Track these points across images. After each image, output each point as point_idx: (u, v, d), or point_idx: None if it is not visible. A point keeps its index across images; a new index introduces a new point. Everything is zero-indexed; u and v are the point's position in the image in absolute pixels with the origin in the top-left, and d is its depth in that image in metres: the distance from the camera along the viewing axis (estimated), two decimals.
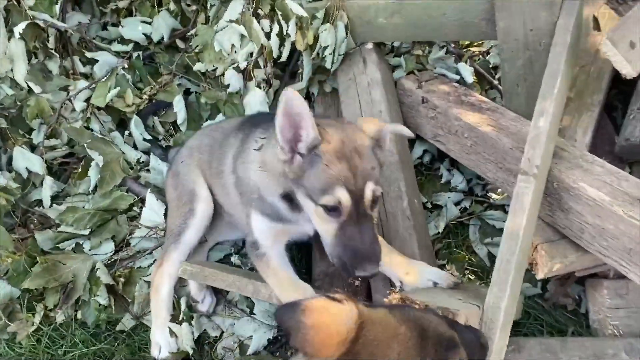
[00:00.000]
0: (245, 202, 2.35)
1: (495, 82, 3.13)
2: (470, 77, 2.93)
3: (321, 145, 1.87)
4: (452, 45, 3.15)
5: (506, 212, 2.82)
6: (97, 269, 2.75)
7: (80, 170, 3.00)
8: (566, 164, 2.23)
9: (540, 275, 2.22)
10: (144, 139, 3.17)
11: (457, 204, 2.90)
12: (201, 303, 2.63)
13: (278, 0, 2.85)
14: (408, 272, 2.25)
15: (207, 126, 3.04)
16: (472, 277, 2.69)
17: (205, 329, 2.62)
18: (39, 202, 3.01)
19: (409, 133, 2.14)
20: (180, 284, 2.70)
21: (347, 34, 2.93)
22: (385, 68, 3.00)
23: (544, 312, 2.53)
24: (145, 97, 3.23)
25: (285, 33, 2.85)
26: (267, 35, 2.94)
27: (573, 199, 2.15)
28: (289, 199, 2.12)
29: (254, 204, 2.27)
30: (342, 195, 1.83)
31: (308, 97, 3.26)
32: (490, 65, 3.29)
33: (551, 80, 2.22)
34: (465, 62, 3.03)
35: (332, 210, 1.87)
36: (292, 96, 1.81)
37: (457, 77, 2.97)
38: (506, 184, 2.49)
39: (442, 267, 2.70)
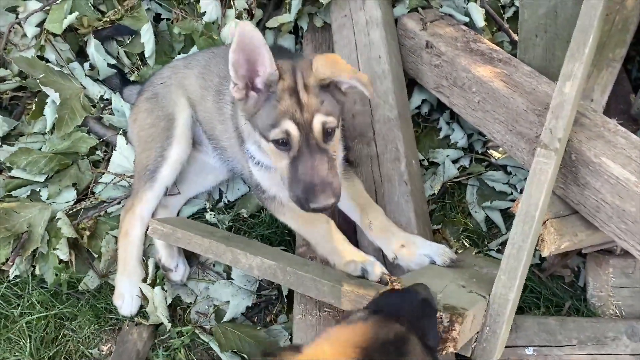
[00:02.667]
0: (240, 140, 2.22)
1: (506, 25, 2.81)
2: (481, 21, 2.61)
3: (278, 82, 1.84)
4: None
5: (507, 173, 2.64)
6: (58, 219, 2.46)
7: (34, 108, 2.63)
8: (587, 133, 1.99)
9: (545, 253, 2.03)
10: (109, 65, 2.79)
11: (455, 161, 2.66)
12: (174, 272, 2.38)
13: None
14: (403, 244, 2.07)
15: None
16: (467, 244, 2.50)
17: (178, 294, 2.40)
18: None
19: (369, 94, 1.90)
20: (148, 242, 2.44)
21: None
22: (387, 4, 2.64)
23: (541, 283, 2.38)
24: (106, 19, 2.81)
25: None
26: None
27: (592, 174, 1.93)
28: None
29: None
30: (289, 127, 1.81)
31: (296, 32, 2.90)
32: (500, 4, 2.95)
33: (582, 38, 1.92)
34: (476, 2, 2.68)
35: (283, 144, 1.85)
36: (248, 29, 1.76)
37: (466, 19, 2.64)
38: (515, 149, 2.25)
39: (436, 231, 2.53)
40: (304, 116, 1.81)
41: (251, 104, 1.89)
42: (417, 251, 2.04)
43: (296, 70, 1.86)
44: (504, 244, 2.47)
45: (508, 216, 2.54)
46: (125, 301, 2.34)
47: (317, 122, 1.82)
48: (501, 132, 2.28)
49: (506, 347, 1.90)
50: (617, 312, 2.21)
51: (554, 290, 2.37)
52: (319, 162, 1.81)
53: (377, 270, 1.96)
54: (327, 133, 1.85)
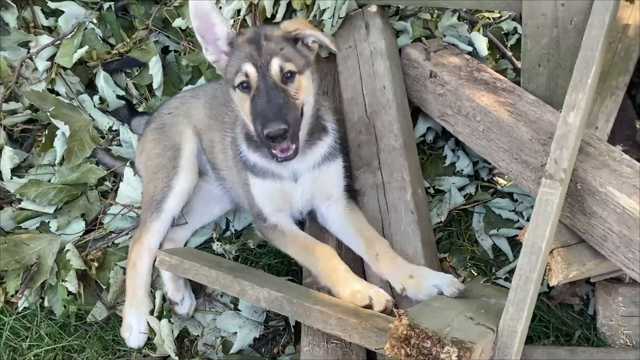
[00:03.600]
0: (240, 165, 2.30)
1: (509, 54, 2.83)
2: (484, 50, 2.63)
3: (238, 37, 2.07)
4: (464, 9, 2.82)
5: (513, 200, 2.64)
6: (67, 250, 2.47)
7: (44, 140, 2.67)
8: (592, 162, 2.00)
9: (553, 282, 2.02)
10: (118, 96, 2.84)
11: (461, 189, 2.67)
12: (180, 305, 2.38)
13: None
14: (411, 275, 2.07)
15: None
16: (474, 272, 2.50)
17: (185, 326, 2.40)
18: None
19: (333, 47, 2.13)
20: (156, 273, 2.45)
21: None
22: (390, 35, 2.68)
23: (550, 312, 2.37)
24: (115, 52, 2.87)
25: None
26: None
27: (598, 203, 1.93)
28: (251, 141, 2.21)
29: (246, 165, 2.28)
30: (248, 68, 1.99)
31: None
32: (503, 32, 2.98)
33: (585, 69, 1.94)
34: (479, 31, 2.71)
35: (245, 87, 2.02)
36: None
37: (470, 49, 2.67)
38: (521, 177, 2.25)
39: (443, 260, 2.53)
40: (262, 59, 1.99)
41: (223, 63, 2.10)
42: (425, 282, 2.04)
43: (260, 28, 2.13)
44: (511, 272, 2.45)
45: (515, 243, 2.53)
46: (133, 333, 2.34)
47: (275, 63, 1.99)
48: (506, 161, 2.28)
49: None
50: (628, 341, 2.18)
51: (564, 319, 2.35)
52: (275, 97, 1.96)
53: (382, 298, 1.98)
54: (286, 76, 2.01)
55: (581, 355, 2.11)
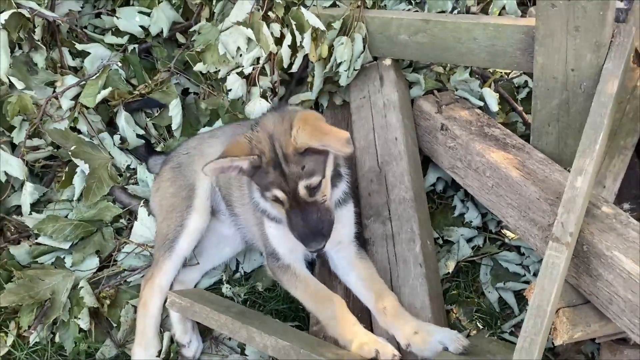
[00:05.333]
0: (257, 207, 2.33)
1: (519, 108, 2.89)
2: (495, 106, 2.68)
3: (261, 159, 2.04)
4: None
5: (521, 254, 2.66)
6: (81, 287, 2.52)
7: (64, 177, 2.74)
8: (598, 225, 2.03)
9: (558, 342, 2.04)
10: (137, 135, 2.93)
11: (469, 240, 2.70)
12: (187, 347, 2.41)
13: (293, 8, 2.57)
14: (417, 331, 2.09)
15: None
16: (480, 325, 2.51)
17: None
18: (19, 207, 2.76)
19: (344, 154, 2.06)
20: (164, 313, 2.48)
21: (364, 47, 2.67)
22: (404, 88, 2.76)
23: None
24: (137, 92, 2.97)
25: (298, 44, 2.58)
26: (277, 41, 2.68)
27: (604, 266, 1.96)
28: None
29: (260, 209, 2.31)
30: (278, 194, 2.05)
31: (317, 107, 3.02)
32: (514, 85, 3.05)
33: (593, 134, 2.00)
34: (490, 87, 2.78)
35: (277, 201, 2.07)
36: (212, 167, 2.01)
37: (481, 103, 2.72)
38: (528, 234, 2.29)
39: (449, 311, 2.55)
40: (289, 185, 2.02)
41: (247, 170, 2.10)
42: (430, 338, 2.06)
43: (274, 142, 2.03)
44: (516, 325, 2.47)
45: (521, 297, 2.55)
46: None
47: (301, 187, 2.02)
48: (514, 217, 2.32)
49: None
50: None
51: None
52: (308, 214, 2.03)
53: (388, 352, 2.01)
54: (312, 189, 2.04)
55: None
